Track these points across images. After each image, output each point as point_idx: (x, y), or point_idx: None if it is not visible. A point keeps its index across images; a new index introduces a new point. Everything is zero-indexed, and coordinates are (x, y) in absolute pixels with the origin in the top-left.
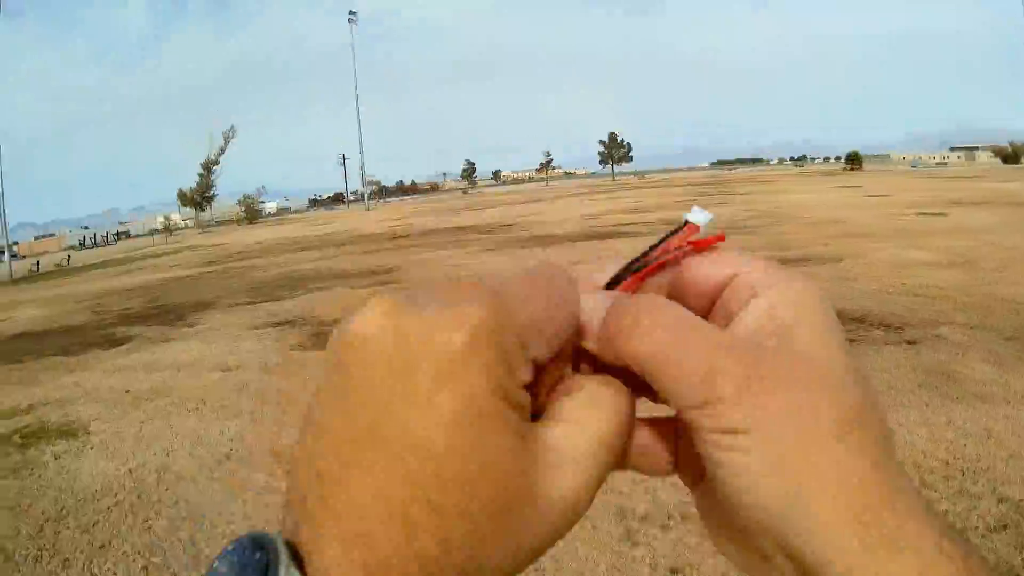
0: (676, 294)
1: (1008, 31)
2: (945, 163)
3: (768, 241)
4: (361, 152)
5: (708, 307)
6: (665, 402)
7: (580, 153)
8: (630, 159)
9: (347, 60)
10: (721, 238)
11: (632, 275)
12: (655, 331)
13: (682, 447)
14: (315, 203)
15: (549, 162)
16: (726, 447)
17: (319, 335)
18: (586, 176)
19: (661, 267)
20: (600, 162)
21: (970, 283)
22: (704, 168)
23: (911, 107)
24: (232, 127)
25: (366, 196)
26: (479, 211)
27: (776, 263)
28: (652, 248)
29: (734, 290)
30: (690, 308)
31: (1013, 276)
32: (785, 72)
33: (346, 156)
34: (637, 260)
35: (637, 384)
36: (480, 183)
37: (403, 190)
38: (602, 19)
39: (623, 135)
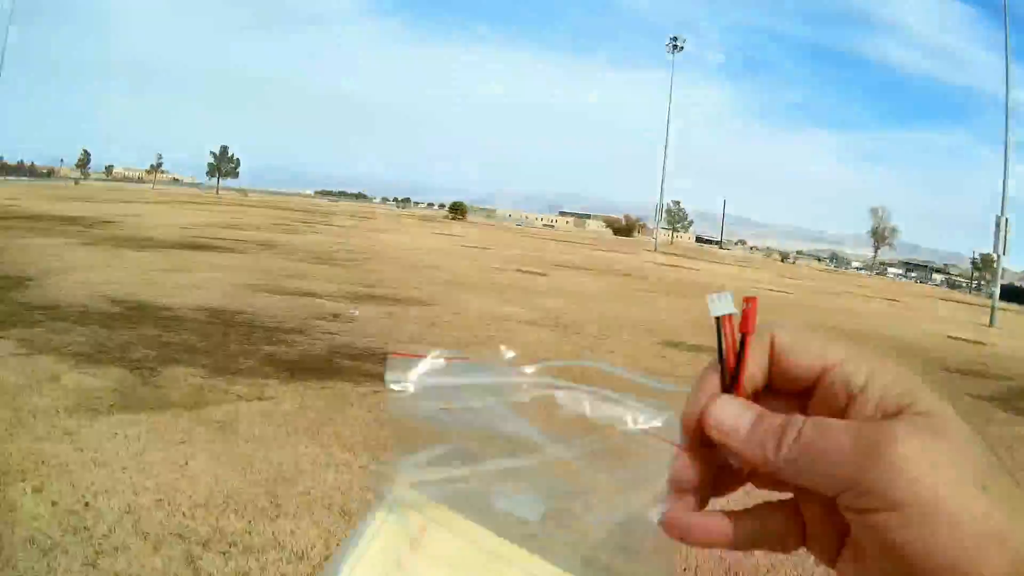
0: (776, 385)
1: (623, 111)
2: (552, 225)
3: (358, 276)
4: None
5: (804, 389)
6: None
7: (191, 161)
8: (237, 175)
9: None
10: (754, 303)
11: (733, 383)
12: (833, 454)
13: (812, 524)
14: None
15: (160, 165)
16: (891, 526)
17: None
18: (193, 184)
19: (744, 363)
20: (208, 173)
21: (563, 345)
22: (308, 196)
23: (523, 167)
24: None
25: None
26: (85, 203)
27: (857, 345)
28: (721, 350)
29: (836, 376)
30: (789, 392)
31: (610, 344)
32: (412, 117)
33: None
34: (722, 361)
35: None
36: (93, 175)
37: (21, 170)
38: (244, 35)
39: (235, 150)
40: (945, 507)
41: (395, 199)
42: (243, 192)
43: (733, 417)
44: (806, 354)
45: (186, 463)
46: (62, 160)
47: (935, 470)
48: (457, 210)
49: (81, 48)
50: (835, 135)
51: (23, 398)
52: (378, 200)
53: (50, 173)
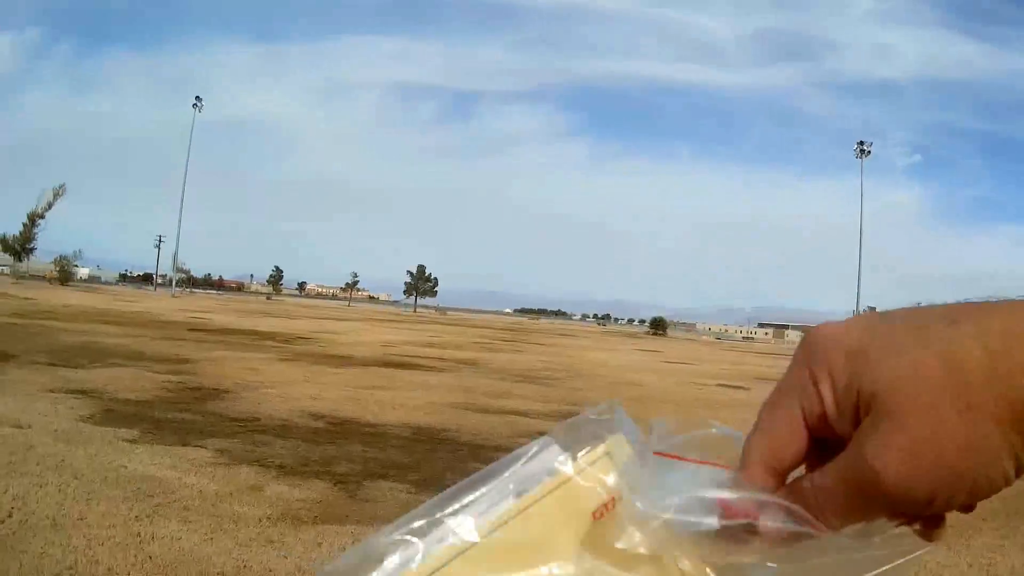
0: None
1: (821, 226)
2: (752, 337)
3: (562, 395)
4: (178, 238)
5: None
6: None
7: (386, 278)
8: (435, 293)
9: (184, 145)
10: None
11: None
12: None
13: None
14: (124, 278)
15: (355, 283)
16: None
17: (109, 411)
18: (389, 302)
19: None
20: (404, 292)
21: None
22: (507, 314)
23: (720, 280)
24: (63, 185)
25: (174, 283)
26: (278, 319)
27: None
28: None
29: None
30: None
31: None
32: (608, 234)
33: (163, 238)
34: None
35: None
36: (284, 291)
37: (210, 283)
38: (439, 159)
39: (431, 269)
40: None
41: (595, 316)
42: (441, 311)
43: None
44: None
45: None
46: (252, 276)
47: (913, 459)
48: (658, 326)
49: (267, 168)
50: (1014, 227)
51: (224, 506)
52: (578, 317)
53: (240, 288)
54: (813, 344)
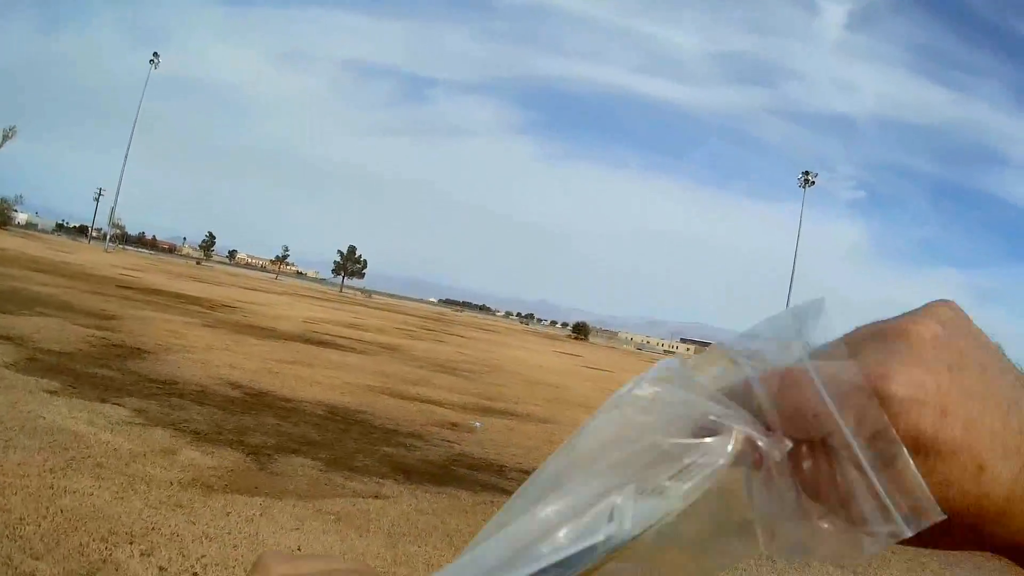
0: None
1: (756, 250)
2: (673, 351)
3: (479, 389)
4: (117, 193)
5: None
6: None
7: (316, 256)
8: (363, 275)
9: (135, 99)
10: None
11: None
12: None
13: None
14: (61, 228)
15: (285, 257)
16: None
17: (32, 360)
18: (317, 279)
19: None
20: (333, 271)
21: None
22: (432, 303)
23: (652, 293)
24: (13, 127)
25: (108, 237)
26: (206, 284)
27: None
28: None
29: None
30: None
31: None
32: (542, 234)
33: (102, 191)
34: None
35: None
36: (215, 257)
37: (143, 242)
38: (385, 140)
39: (362, 251)
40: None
41: (519, 314)
42: (367, 293)
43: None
44: None
45: (299, 549)
46: (184, 239)
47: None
48: (580, 330)
49: (213, 132)
50: (961, 273)
51: (137, 466)
52: (501, 313)
53: (172, 250)
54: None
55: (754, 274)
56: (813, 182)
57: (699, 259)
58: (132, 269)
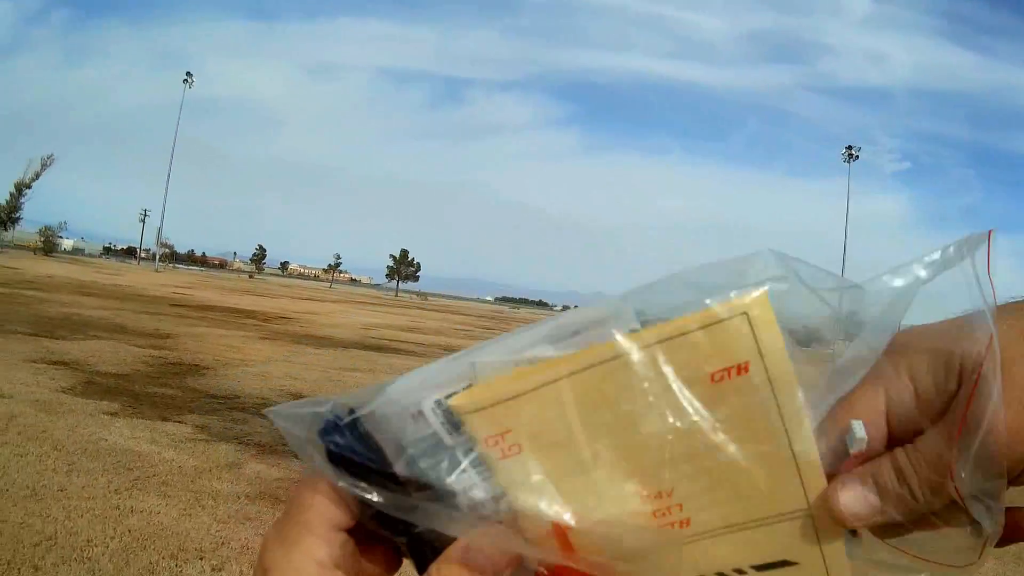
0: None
1: (804, 229)
2: None
3: None
4: (163, 213)
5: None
6: None
7: (368, 262)
8: (417, 278)
9: (173, 120)
10: None
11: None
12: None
13: None
14: (108, 251)
15: (338, 265)
16: None
17: (89, 383)
18: (370, 285)
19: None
20: (386, 275)
21: None
22: (488, 302)
23: None
24: (51, 155)
25: (157, 257)
26: (260, 297)
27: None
28: None
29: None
30: None
31: None
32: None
33: (148, 212)
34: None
35: None
36: (266, 270)
37: (193, 260)
38: (425, 144)
39: (414, 254)
40: None
41: (576, 307)
42: (423, 296)
43: (858, 501)
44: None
45: None
46: (235, 253)
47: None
48: None
49: (255, 148)
50: (1005, 238)
51: (203, 482)
52: (559, 307)
53: (222, 265)
54: (898, 340)
55: (804, 254)
56: (857, 156)
57: (748, 242)
58: (184, 287)
